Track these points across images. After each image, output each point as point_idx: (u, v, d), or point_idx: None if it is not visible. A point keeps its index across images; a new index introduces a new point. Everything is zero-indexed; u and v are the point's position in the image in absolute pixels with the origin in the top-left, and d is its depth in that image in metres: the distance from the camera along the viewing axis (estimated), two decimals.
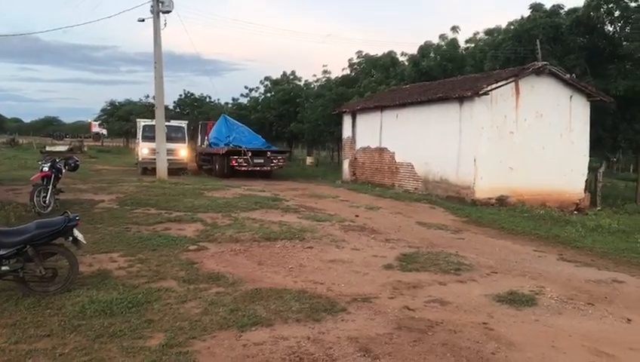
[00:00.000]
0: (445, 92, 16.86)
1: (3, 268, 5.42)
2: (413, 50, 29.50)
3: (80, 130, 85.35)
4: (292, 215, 11.69)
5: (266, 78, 41.68)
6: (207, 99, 49.72)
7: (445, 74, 24.94)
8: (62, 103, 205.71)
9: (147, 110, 40.38)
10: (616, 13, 19.81)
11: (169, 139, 21.17)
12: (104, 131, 63.77)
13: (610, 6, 19.61)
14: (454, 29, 28.15)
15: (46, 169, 11.28)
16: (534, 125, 15.82)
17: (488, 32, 26.98)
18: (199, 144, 28.23)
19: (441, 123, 16.61)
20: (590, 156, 17.66)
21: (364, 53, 33.24)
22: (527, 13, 22.44)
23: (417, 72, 27.09)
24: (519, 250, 9.29)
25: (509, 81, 15.43)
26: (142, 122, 24.38)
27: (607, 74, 19.30)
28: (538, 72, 15.74)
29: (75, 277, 5.80)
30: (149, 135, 21.91)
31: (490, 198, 15.08)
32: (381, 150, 20.24)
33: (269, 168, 22.90)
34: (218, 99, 49.77)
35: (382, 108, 20.25)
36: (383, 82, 28.61)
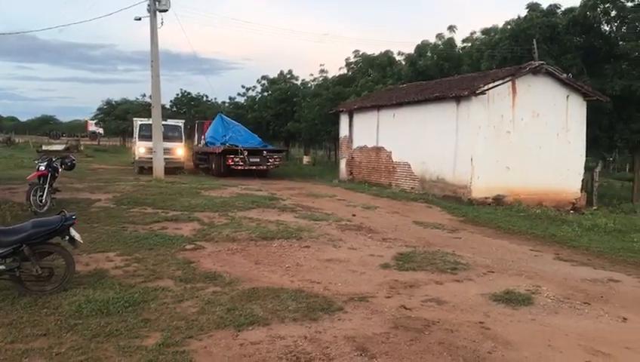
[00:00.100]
0: (442, 91, 16.87)
1: None
2: (410, 49, 29.60)
3: (76, 129, 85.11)
4: (289, 214, 11.69)
5: (263, 77, 41.73)
6: (204, 98, 49.68)
7: (442, 73, 24.99)
8: (58, 102, 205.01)
9: (144, 109, 40.35)
10: (613, 13, 19.88)
11: (166, 138, 21.14)
12: (101, 130, 63.57)
13: (606, 6, 19.68)
14: (451, 28, 28.24)
15: (42, 168, 11.24)
16: (531, 125, 15.85)
17: (485, 32, 27.03)
18: (196, 143, 28.24)
19: (438, 122, 16.63)
20: (586, 156, 17.70)
21: (361, 53, 33.34)
22: (524, 12, 22.57)
23: (414, 72, 27.13)
24: (516, 250, 9.32)
25: (505, 80, 15.46)
26: (138, 121, 24.33)
27: (604, 73, 19.39)
28: (535, 72, 15.78)
29: (71, 276, 5.78)
30: (146, 134, 21.88)
31: (486, 198, 15.11)
32: (378, 149, 20.26)
33: (265, 167, 22.93)
34: (215, 98, 49.81)
35: (379, 107, 20.26)
36: (379, 81, 28.63)
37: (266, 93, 40.80)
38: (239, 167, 22.04)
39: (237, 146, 22.62)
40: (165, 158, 20.20)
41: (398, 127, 18.98)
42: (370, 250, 8.45)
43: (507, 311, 5.65)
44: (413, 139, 17.87)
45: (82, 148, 40.77)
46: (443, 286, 6.50)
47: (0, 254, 5.38)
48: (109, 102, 56.01)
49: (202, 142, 26.32)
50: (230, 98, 46.48)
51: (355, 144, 22.07)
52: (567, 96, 16.40)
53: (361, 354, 4.31)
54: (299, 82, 39.82)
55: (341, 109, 23.58)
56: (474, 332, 4.93)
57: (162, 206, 12.00)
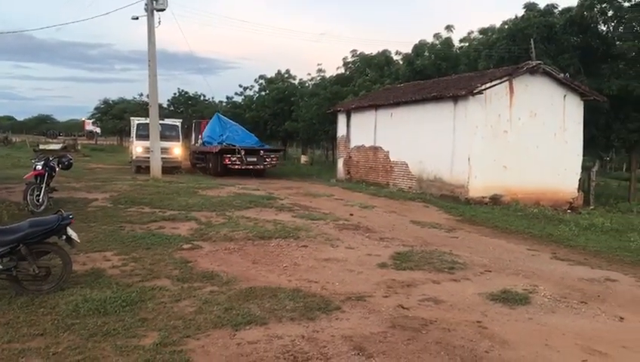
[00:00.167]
0: (439, 91, 16.89)
1: None
2: (408, 49, 29.61)
3: (74, 128, 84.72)
4: (286, 213, 11.69)
5: (261, 77, 41.63)
6: (202, 98, 49.67)
7: (439, 73, 25.01)
8: (56, 101, 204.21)
9: (141, 108, 40.26)
10: (610, 13, 19.95)
11: (163, 137, 21.15)
12: (98, 129, 63.54)
13: (603, 5, 19.74)
14: (449, 28, 28.26)
15: (39, 167, 11.21)
16: (528, 124, 15.88)
17: (482, 32, 27.07)
18: (193, 142, 28.24)
19: (436, 122, 16.64)
20: (583, 155, 17.75)
21: (358, 52, 33.33)
22: (521, 12, 22.62)
23: (412, 71, 27.16)
24: (513, 249, 9.33)
25: (503, 80, 15.49)
26: (136, 120, 24.33)
27: (601, 73, 19.43)
28: (532, 71, 15.81)
29: (68, 275, 5.77)
30: (143, 133, 21.85)
31: (484, 197, 15.14)
32: (375, 149, 20.26)
33: (262, 167, 22.92)
34: (212, 98, 49.83)
35: (376, 107, 20.26)
36: (377, 81, 28.63)
37: (263, 93, 40.74)
38: (236, 167, 22.03)
39: (234, 146, 22.60)
40: (162, 158, 20.20)
41: (396, 127, 18.99)
42: (367, 250, 8.45)
43: (504, 310, 5.66)
44: (411, 138, 17.88)
45: (79, 147, 40.67)
46: (440, 286, 6.51)
47: None
48: (106, 102, 55.99)
49: (199, 141, 26.30)
50: (228, 97, 46.55)
51: (353, 143, 22.08)
52: (565, 96, 16.43)
53: (358, 354, 4.31)
54: (296, 82, 39.81)
55: (339, 109, 23.58)
56: (471, 331, 4.94)
57: (159, 205, 11.97)
